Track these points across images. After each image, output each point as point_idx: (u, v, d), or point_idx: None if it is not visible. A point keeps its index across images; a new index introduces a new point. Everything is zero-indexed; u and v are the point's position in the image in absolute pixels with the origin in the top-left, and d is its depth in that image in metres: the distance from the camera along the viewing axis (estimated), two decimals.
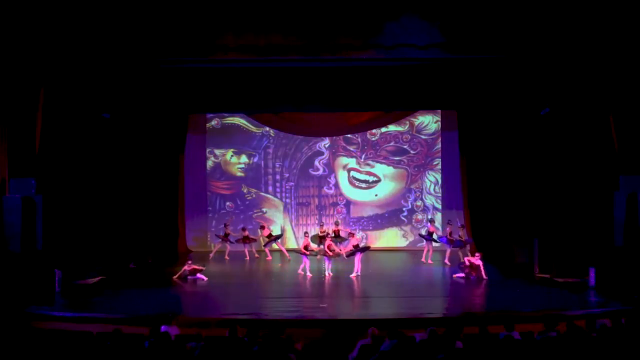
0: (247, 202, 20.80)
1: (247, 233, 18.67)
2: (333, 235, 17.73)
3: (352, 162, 20.80)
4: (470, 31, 14.13)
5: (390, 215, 20.78)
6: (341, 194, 20.88)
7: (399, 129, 20.69)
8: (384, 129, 20.66)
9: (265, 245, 18.63)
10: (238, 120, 20.71)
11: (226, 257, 18.64)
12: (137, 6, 13.76)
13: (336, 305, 13.40)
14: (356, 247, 16.28)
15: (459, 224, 18.56)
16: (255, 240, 18.83)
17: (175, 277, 15.83)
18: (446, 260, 17.63)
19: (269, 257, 18.62)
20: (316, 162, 20.83)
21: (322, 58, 14.80)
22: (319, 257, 16.28)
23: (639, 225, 13.38)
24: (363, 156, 20.76)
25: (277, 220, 20.62)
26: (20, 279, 13.03)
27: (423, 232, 18.89)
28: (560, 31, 13.92)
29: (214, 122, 20.74)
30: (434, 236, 18.18)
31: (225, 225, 19.06)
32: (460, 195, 20.12)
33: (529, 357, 7.51)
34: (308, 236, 16.98)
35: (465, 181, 19.85)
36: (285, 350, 7.71)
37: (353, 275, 15.85)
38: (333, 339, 10.41)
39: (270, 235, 18.70)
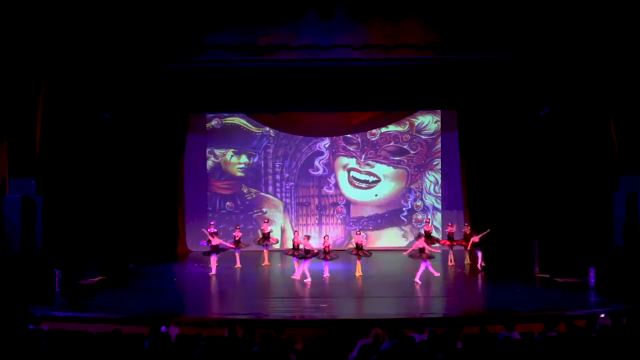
0: (247, 202, 20.80)
1: (239, 234, 17.60)
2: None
3: (352, 162, 20.80)
4: (470, 31, 14.14)
5: (390, 215, 20.78)
6: (341, 194, 20.88)
7: (399, 129, 20.69)
8: (384, 129, 20.66)
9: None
10: (238, 120, 20.72)
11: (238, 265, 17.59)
12: (137, 6, 13.77)
13: (336, 305, 13.39)
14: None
15: (465, 223, 18.51)
16: (246, 245, 17.79)
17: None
18: (449, 262, 17.63)
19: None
20: (316, 162, 20.83)
21: (321, 57, 14.81)
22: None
23: (639, 225, 13.38)
24: (363, 156, 20.76)
25: (277, 220, 20.62)
26: (20, 279, 13.03)
27: (422, 232, 18.71)
28: (560, 32, 13.93)
29: (214, 122, 20.74)
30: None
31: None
32: (460, 195, 20.13)
33: (529, 357, 7.50)
34: (328, 238, 16.30)
35: (465, 181, 19.85)
36: (285, 350, 7.70)
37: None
38: (333, 339, 10.41)
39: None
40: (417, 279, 15.09)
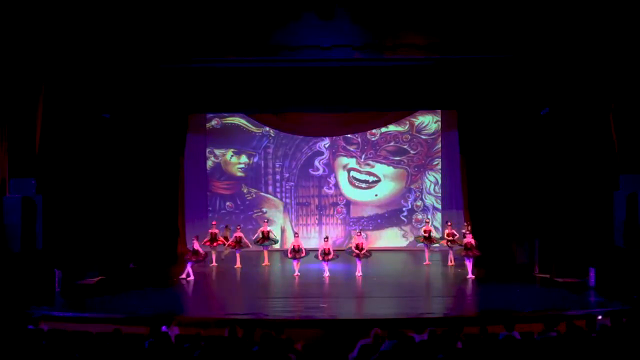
0: (247, 202, 20.80)
1: (240, 234, 17.68)
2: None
3: (352, 162, 20.80)
4: (470, 32, 14.14)
5: (390, 215, 20.78)
6: (341, 194, 20.88)
7: (399, 129, 20.69)
8: (384, 129, 20.66)
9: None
10: (238, 120, 20.72)
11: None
12: (137, 7, 13.77)
13: (336, 305, 13.39)
14: None
15: (464, 222, 18.51)
16: (248, 246, 17.82)
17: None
18: (449, 262, 17.63)
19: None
20: (316, 162, 20.83)
21: (321, 58, 14.81)
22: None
23: (639, 225, 13.37)
24: (363, 156, 20.76)
25: (277, 220, 20.62)
26: (20, 279, 13.02)
27: (421, 233, 18.69)
28: (560, 31, 13.93)
29: (214, 122, 20.74)
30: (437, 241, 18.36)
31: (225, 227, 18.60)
32: (460, 195, 20.12)
33: (529, 357, 7.50)
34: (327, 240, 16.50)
35: (465, 181, 19.84)
36: (285, 350, 7.70)
37: None
38: (333, 339, 10.41)
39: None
40: (470, 275, 15.73)
